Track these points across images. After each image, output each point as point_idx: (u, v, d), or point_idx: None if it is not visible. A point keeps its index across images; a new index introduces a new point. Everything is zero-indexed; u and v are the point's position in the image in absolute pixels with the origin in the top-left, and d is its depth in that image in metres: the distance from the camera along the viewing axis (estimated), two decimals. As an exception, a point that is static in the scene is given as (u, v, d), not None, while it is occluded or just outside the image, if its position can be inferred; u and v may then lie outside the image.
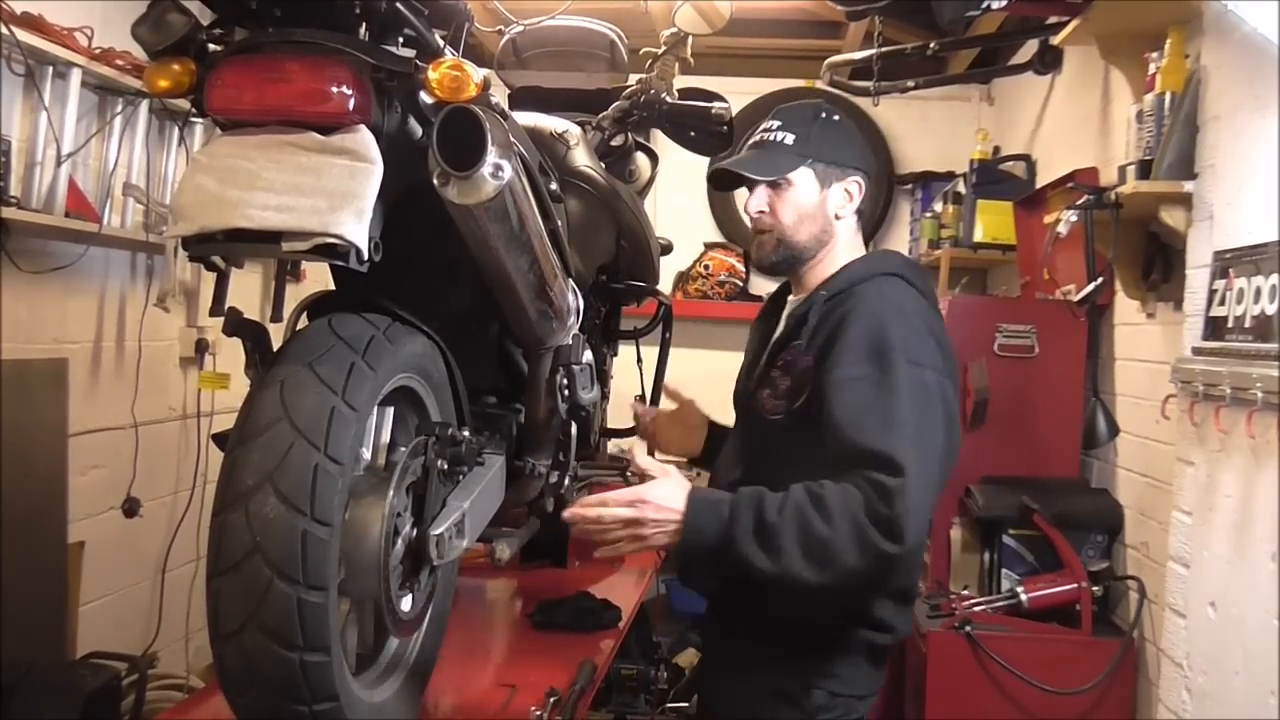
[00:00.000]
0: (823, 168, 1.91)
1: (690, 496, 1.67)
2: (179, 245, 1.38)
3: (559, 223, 1.82)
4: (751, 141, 1.95)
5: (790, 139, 1.91)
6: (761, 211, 1.91)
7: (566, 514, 1.72)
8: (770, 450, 1.85)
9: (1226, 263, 2.21)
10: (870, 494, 1.59)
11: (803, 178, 1.90)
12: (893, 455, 1.60)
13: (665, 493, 1.67)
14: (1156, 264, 2.79)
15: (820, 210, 1.92)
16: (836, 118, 1.96)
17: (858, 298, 1.81)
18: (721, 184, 2.02)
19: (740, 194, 2.03)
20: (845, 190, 1.93)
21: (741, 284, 4.74)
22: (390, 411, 1.55)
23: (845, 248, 1.96)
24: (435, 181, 1.38)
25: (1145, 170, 2.54)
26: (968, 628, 2.85)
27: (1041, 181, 3.79)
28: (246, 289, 3.55)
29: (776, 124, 1.93)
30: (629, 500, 1.67)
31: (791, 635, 1.81)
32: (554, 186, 1.89)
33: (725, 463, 2.05)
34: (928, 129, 4.74)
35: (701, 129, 2.24)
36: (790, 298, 2.02)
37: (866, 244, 2.02)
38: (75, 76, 2.80)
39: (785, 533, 1.60)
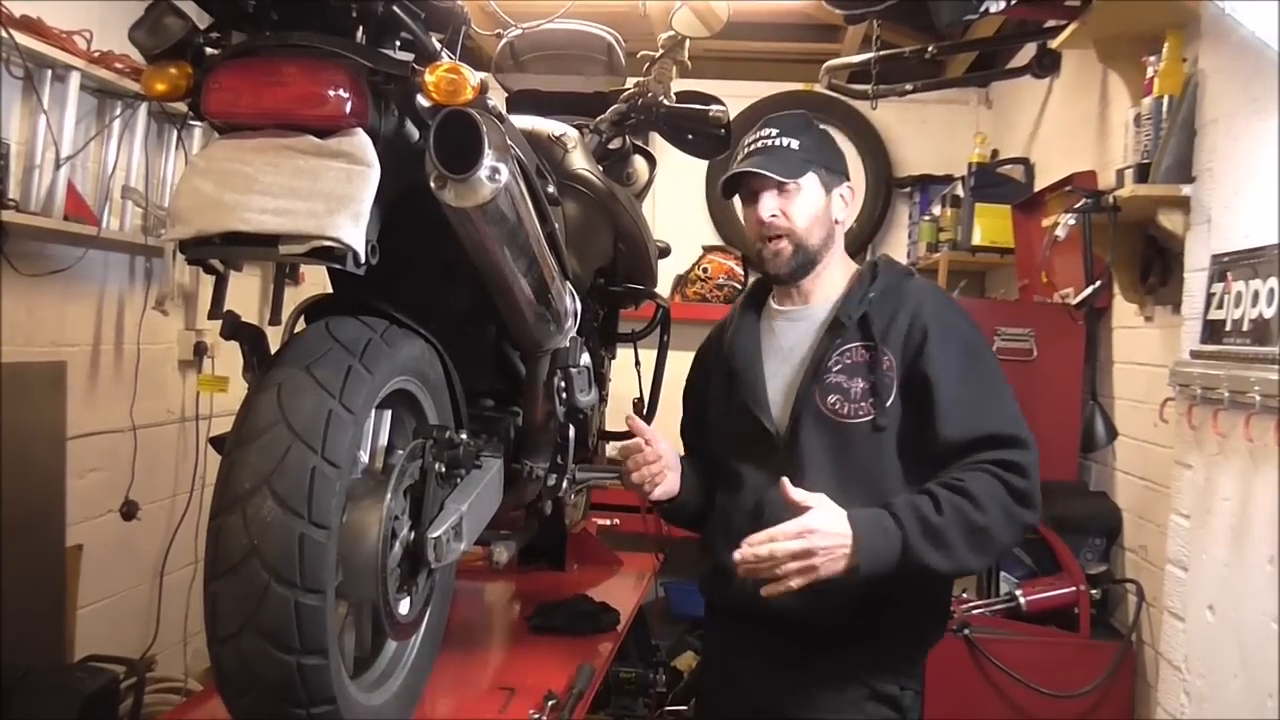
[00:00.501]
0: (824, 173, 1.95)
1: (853, 518, 1.70)
2: (177, 248, 1.38)
3: (556, 225, 1.82)
4: (755, 148, 1.95)
5: (795, 144, 1.93)
6: (774, 216, 1.92)
7: (738, 555, 1.70)
8: (865, 451, 1.84)
9: (1224, 266, 2.21)
10: (1001, 473, 1.72)
11: (811, 182, 1.94)
12: (1016, 433, 1.77)
13: (829, 519, 1.70)
14: (1154, 267, 2.79)
15: (826, 214, 1.96)
16: (822, 127, 2.03)
17: (911, 295, 1.89)
18: (727, 191, 2.01)
19: (736, 204, 2.03)
20: (841, 196, 1.98)
21: (740, 287, 4.73)
22: (388, 414, 1.55)
23: (841, 254, 2.00)
24: (432, 184, 1.37)
25: (1143, 174, 2.54)
26: (966, 631, 2.85)
27: (1040, 185, 3.79)
28: (245, 292, 3.55)
29: (775, 131, 1.95)
30: (797, 532, 1.68)
31: (888, 638, 1.88)
32: (551, 189, 1.88)
33: (764, 482, 1.87)
34: (926, 132, 4.74)
35: (699, 132, 2.24)
36: (779, 306, 2.01)
37: (865, 247, 2.03)
38: (74, 79, 2.80)
39: (950, 529, 1.70)
